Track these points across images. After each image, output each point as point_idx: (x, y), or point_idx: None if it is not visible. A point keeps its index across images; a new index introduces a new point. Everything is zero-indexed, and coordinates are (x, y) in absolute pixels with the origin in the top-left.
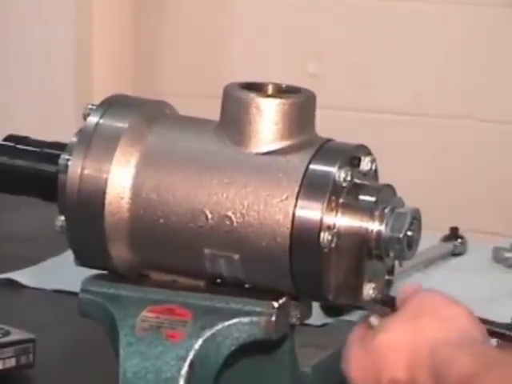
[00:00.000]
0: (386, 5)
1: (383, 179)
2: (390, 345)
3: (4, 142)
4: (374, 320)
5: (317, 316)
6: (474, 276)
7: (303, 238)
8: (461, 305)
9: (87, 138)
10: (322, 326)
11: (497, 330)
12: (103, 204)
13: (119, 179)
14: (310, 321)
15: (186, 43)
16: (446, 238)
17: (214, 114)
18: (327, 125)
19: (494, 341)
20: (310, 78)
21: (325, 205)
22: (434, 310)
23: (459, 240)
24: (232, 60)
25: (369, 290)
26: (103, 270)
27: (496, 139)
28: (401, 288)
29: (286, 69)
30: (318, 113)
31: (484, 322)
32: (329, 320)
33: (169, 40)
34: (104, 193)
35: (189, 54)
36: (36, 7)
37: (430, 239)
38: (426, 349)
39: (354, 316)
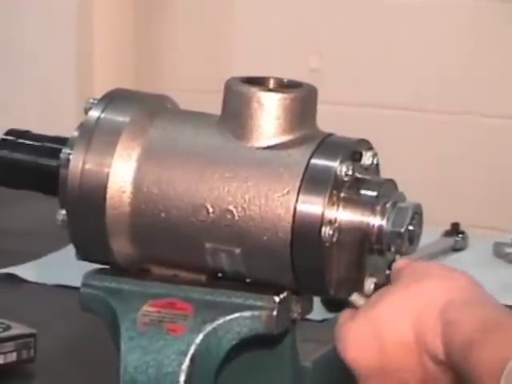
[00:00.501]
0: (387, 1)
1: (384, 174)
2: (392, 309)
3: (5, 137)
4: (356, 299)
5: (317, 311)
6: (474, 271)
7: (304, 232)
8: (457, 269)
9: (88, 133)
10: (323, 321)
11: None
12: (104, 198)
13: (120, 173)
14: (311, 316)
15: (187, 39)
16: (448, 234)
17: (214, 108)
18: (328, 120)
19: None
20: (311, 73)
21: (326, 199)
22: (433, 272)
23: (460, 235)
24: (233, 55)
25: (370, 285)
26: (104, 264)
27: (497, 135)
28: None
29: (287, 64)
30: (319, 108)
31: None
32: (329, 315)
33: (170, 35)
34: (105, 187)
35: (190, 49)
36: (38, 4)
37: (431, 234)
38: (432, 309)
39: None
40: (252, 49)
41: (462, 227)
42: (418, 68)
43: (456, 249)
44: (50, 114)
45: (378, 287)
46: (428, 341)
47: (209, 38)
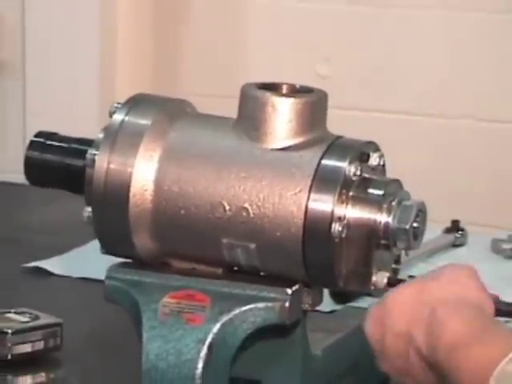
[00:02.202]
0: (392, 11)
1: (390, 174)
2: (396, 301)
3: (35, 138)
4: None
5: (327, 303)
6: (473, 266)
7: (315, 228)
8: (474, 279)
9: (113, 134)
10: (332, 312)
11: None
12: (128, 196)
13: (143, 173)
14: (321, 307)
15: (204, 47)
16: (448, 230)
17: (228, 112)
18: (336, 124)
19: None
20: (320, 79)
21: (336, 198)
22: (444, 274)
23: (460, 232)
24: (247, 62)
25: (383, 279)
26: (127, 258)
27: (494, 138)
28: None
29: (298, 71)
30: (328, 112)
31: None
32: (338, 307)
33: (187, 44)
34: (128, 185)
35: (206, 56)
36: (62, 10)
37: (432, 231)
38: (426, 307)
39: (361, 303)
40: (265, 57)
41: (462, 224)
42: (422, 76)
43: (456, 245)
44: (75, 117)
45: (390, 281)
46: (415, 336)
47: (224, 46)
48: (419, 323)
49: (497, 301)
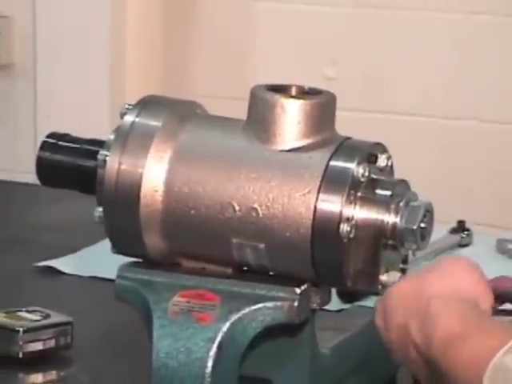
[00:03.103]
0: (397, 14)
1: (396, 175)
2: (397, 293)
3: (47, 139)
4: None
5: (335, 302)
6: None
7: (324, 229)
8: (472, 271)
9: (124, 136)
10: (340, 311)
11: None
12: (138, 196)
13: (153, 174)
14: (329, 306)
15: (213, 49)
16: (454, 231)
17: (238, 114)
18: (341, 125)
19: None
20: (327, 81)
21: (344, 198)
22: (443, 267)
23: (466, 232)
24: (255, 65)
25: (389, 277)
26: (138, 257)
27: (496, 139)
28: None
29: (305, 73)
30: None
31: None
32: (346, 306)
33: (196, 47)
34: (139, 186)
35: (216, 59)
36: (73, 12)
37: (438, 231)
38: (423, 300)
39: (369, 302)
40: (272, 59)
41: (468, 225)
42: (424, 77)
43: (462, 245)
44: (86, 119)
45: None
46: (411, 330)
47: (233, 49)
48: (415, 318)
49: (496, 289)
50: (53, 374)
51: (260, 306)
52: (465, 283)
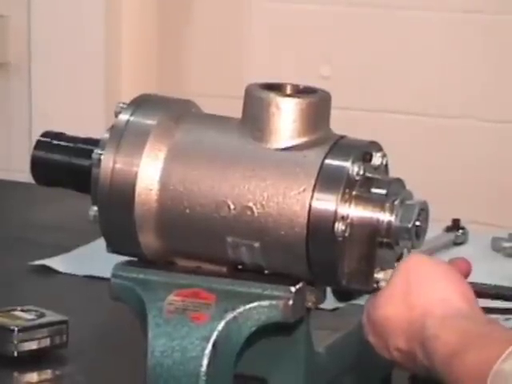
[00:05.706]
0: (391, 12)
1: (390, 174)
2: (385, 320)
3: (41, 138)
4: None
5: (330, 301)
6: (474, 264)
7: (319, 227)
8: (448, 272)
9: (118, 134)
10: (334, 310)
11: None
12: (133, 195)
13: (148, 172)
14: (324, 305)
15: (208, 48)
16: (449, 229)
17: (233, 112)
18: (337, 124)
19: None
20: (322, 80)
21: (339, 197)
22: (421, 282)
23: (461, 231)
24: (250, 64)
25: (385, 276)
26: (133, 256)
27: (493, 137)
28: None
29: (301, 72)
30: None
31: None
32: (340, 304)
33: (191, 46)
34: (134, 185)
35: (210, 58)
36: (67, 12)
37: (434, 230)
38: (417, 325)
39: (363, 300)
40: (268, 59)
41: (463, 223)
42: (421, 76)
43: (457, 243)
44: (81, 117)
45: None
46: (417, 355)
47: (228, 47)
48: (416, 343)
49: (474, 286)
50: (48, 373)
51: (255, 304)
52: (443, 289)
